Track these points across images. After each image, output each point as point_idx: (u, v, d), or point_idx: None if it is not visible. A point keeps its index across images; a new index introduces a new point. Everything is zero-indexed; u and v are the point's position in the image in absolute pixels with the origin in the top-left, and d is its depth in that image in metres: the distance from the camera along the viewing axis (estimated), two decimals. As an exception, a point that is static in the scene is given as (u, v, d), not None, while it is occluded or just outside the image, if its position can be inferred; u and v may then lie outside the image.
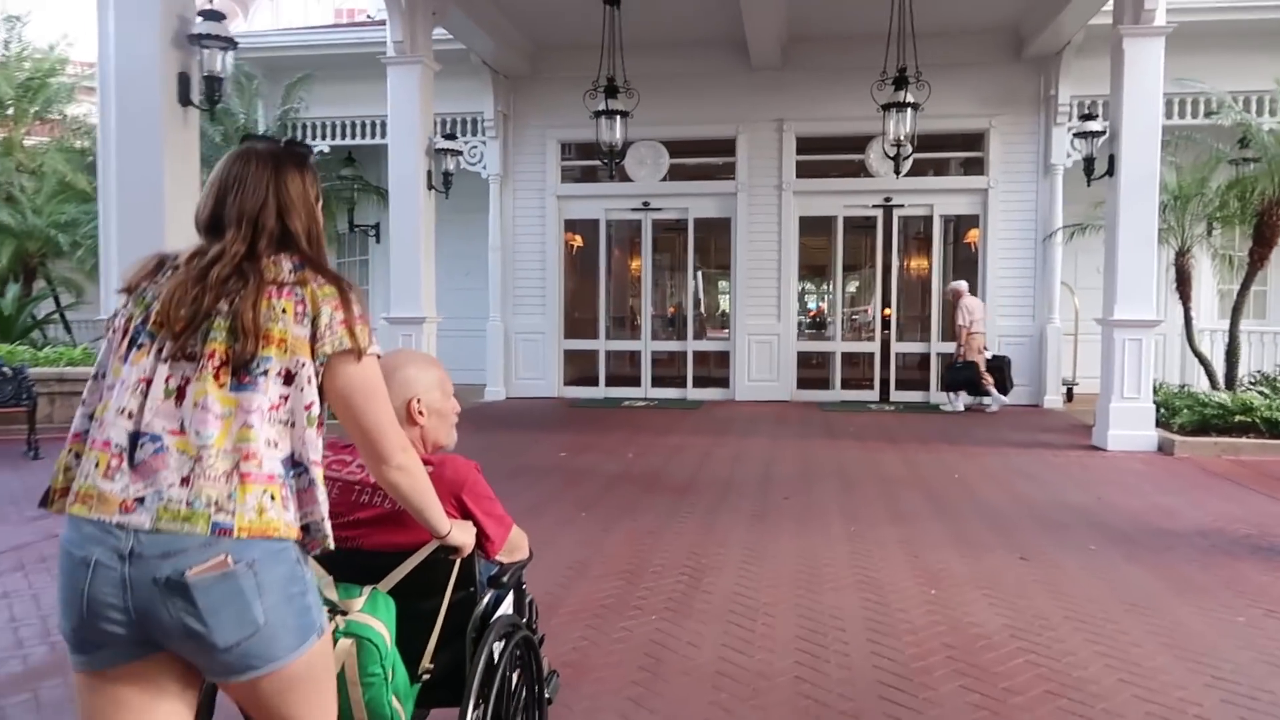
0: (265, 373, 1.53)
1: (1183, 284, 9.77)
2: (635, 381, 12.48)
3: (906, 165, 9.28)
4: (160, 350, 1.54)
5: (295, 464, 1.56)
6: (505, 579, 2.13)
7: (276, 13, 19.37)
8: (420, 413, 2.08)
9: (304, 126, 12.46)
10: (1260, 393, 8.58)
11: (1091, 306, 10.57)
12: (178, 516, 1.45)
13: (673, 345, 12.86)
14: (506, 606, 2.22)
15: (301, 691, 1.56)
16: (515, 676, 2.15)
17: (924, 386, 11.82)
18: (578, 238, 12.93)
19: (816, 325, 14.37)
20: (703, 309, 13.96)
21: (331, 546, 1.59)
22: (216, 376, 1.52)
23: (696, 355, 12.49)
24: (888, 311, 12.19)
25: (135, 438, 1.50)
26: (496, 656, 2.01)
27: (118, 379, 1.55)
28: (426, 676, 1.92)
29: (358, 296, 1.64)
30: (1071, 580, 4.42)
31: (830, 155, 12.15)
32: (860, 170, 11.92)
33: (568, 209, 12.54)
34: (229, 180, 1.66)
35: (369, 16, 14.36)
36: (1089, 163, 9.27)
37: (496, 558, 2.15)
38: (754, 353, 12.02)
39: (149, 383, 1.53)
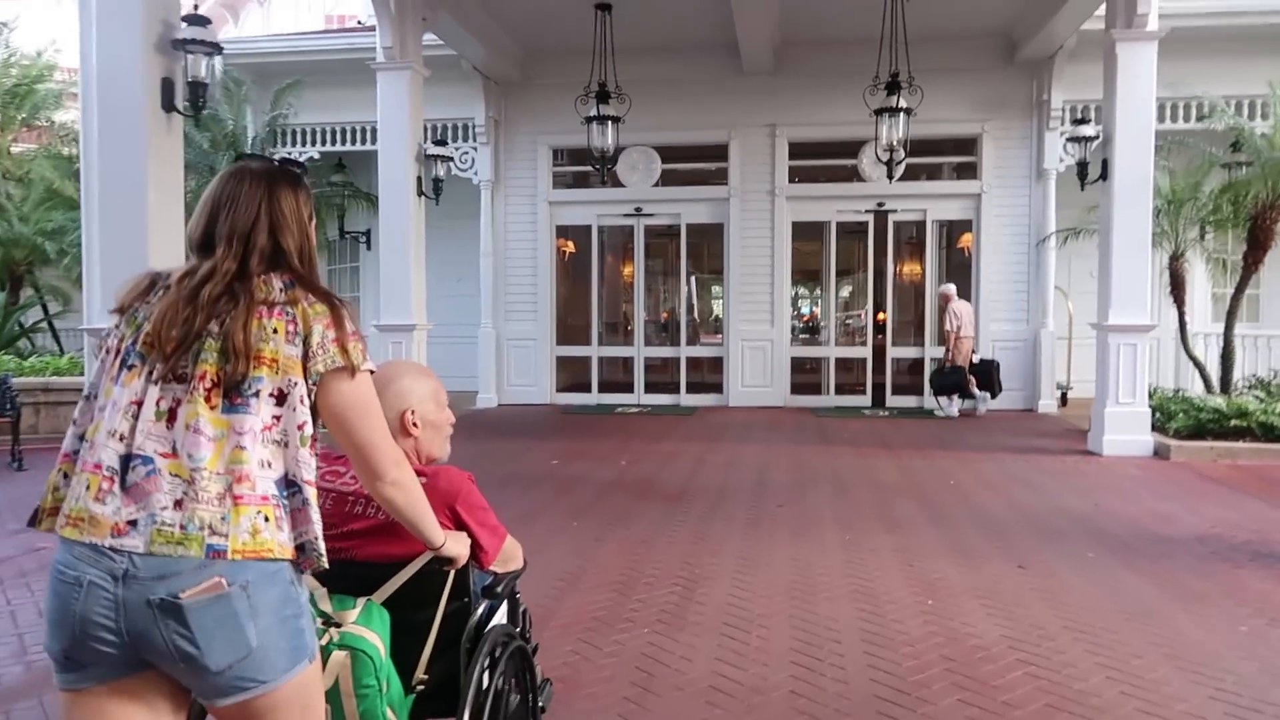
0: (257, 394, 1.53)
1: (1177, 288, 9.74)
2: (628, 387, 12.42)
3: (899, 170, 9.25)
4: (151, 372, 1.54)
5: (289, 484, 1.55)
6: (499, 589, 2.12)
7: (267, 19, 19.28)
8: (414, 424, 2.08)
9: (293, 133, 12.38)
10: (1256, 397, 8.55)
11: (1085, 311, 10.56)
12: (171, 540, 1.45)
13: (666, 351, 12.80)
14: (500, 616, 2.22)
15: (289, 714, 1.54)
16: (509, 686, 2.14)
17: (918, 391, 11.78)
18: (570, 244, 12.87)
19: (810, 330, 14.33)
20: (696, 314, 13.91)
21: (325, 566, 1.59)
22: (208, 398, 1.51)
23: (690, 361, 12.44)
24: (882, 316, 12.15)
25: (127, 460, 1.49)
26: (491, 667, 2.01)
27: (109, 400, 1.55)
28: (421, 687, 1.92)
29: (350, 313, 1.64)
30: (1070, 589, 4.36)
31: (823, 160, 12.13)
32: (853, 175, 11.88)
33: (560, 215, 12.48)
34: (222, 198, 1.66)
35: (359, 22, 14.27)
36: (1082, 167, 9.24)
37: (491, 568, 2.14)
38: (747, 358, 11.97)
39: (140, 404, 1.52)
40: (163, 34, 5.62)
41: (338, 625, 1.79)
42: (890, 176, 9.37)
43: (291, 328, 1.56)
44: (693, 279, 13.22)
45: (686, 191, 12.29)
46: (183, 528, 1.45)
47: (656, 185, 12.16)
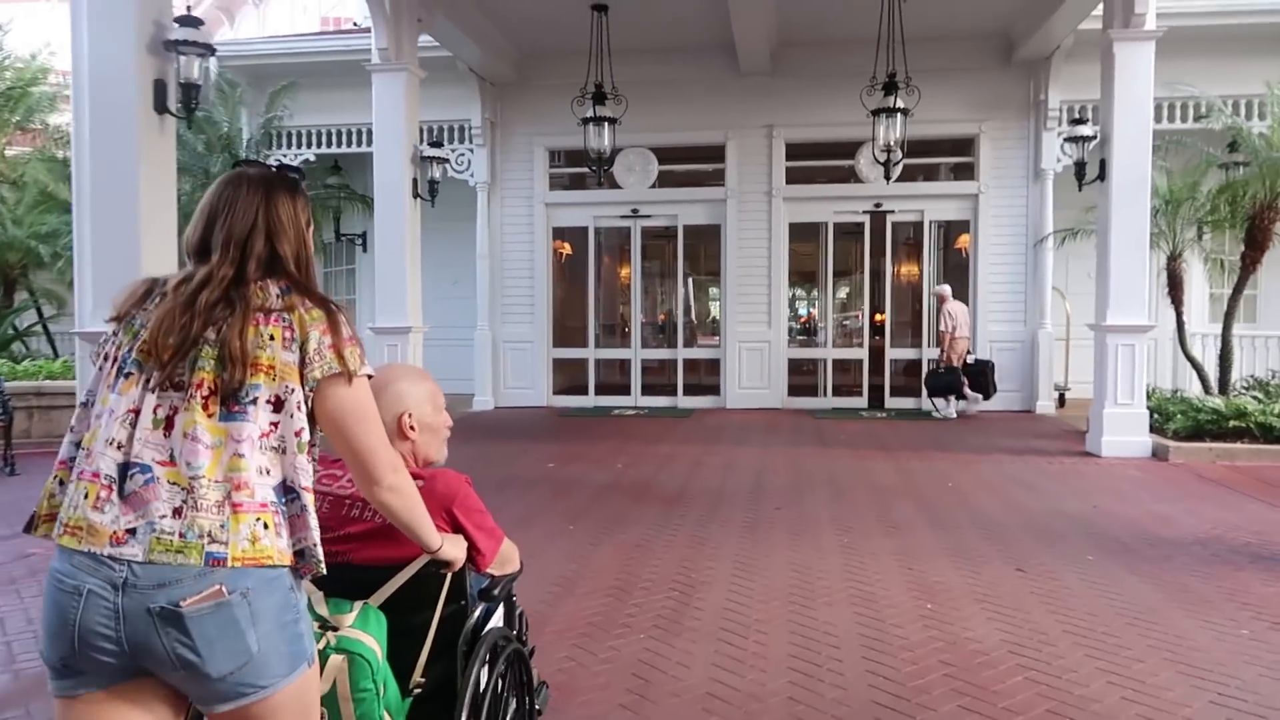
0: (254, 401, 1.53)
1: (1174, 288, 9.72)
2: (625, 390, 12.37)
3: (897, 171, 9.22)
4: (148, 380, 1.54)
5: (287, 490, 1.55)
6: (496, 592, 2.12)
7: (262, 21, 19.25)
8: (411, 428, 2.08)
9: (289, 135, 12.34)
10: (1254, 397, 8.52)
11: (1083, 311, 10.54)
12: (170, 548, 1.45)
13: (663, 353, 12.76)
14: (497, 619, 2.22)
15: (287, 718, 1.55)
16: (506, 689, 2.15)
17: (916, 393, 11.75)
18: (566, 245, 12.83)
19: (807, 332, 14.30)
20: (693, 316, 13.87)
21: (324, 571, 1.59)
22: (205, 406, 1.51)
23: (687, 363, 12.40)
24: (880, 318, 12.12)
25: (125, 468, 1.49)
26: (488, 669, 2.02)
27: (106, 408, 1.55)
28: (418, 691, 1.92)
29: (347, 318, 1.64)
30: (1070, 592, 4.32)
31: (820, 161, 12.10)
32: (850, 176, 11.85)
33: (556, 216, 12.44)
34: (219, 204, 1.66)
35: (355, 24, 14.23)
36: (1080, 167, 9.22)
37: (488, 570, 2.14)
38: (745, 360, 11.93)
39: (138, 413, 1.52)
40: (155, 35, 5.57)
41: (334, 629, 1.79)
42: (888, 177, 9.35)
43: (288, 334, 1.56)
44: (690, 280, 13.19)
45: (683, 193, 12.25)
46: (182, 536, 1.45)
47: (653, 187, 12.12)
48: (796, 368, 12.26)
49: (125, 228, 5.42)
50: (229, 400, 1.52)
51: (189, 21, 5.74)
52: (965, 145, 11.65)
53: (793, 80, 11.53)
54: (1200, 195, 9.54)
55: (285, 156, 12.07)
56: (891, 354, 11.97)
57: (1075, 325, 11.26)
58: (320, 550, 1.57)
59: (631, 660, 3.53)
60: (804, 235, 12.23)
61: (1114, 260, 8.20)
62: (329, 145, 12.36)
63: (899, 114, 8.63)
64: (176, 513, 1.46)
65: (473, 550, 2.03)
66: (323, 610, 1.80)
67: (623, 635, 3.80)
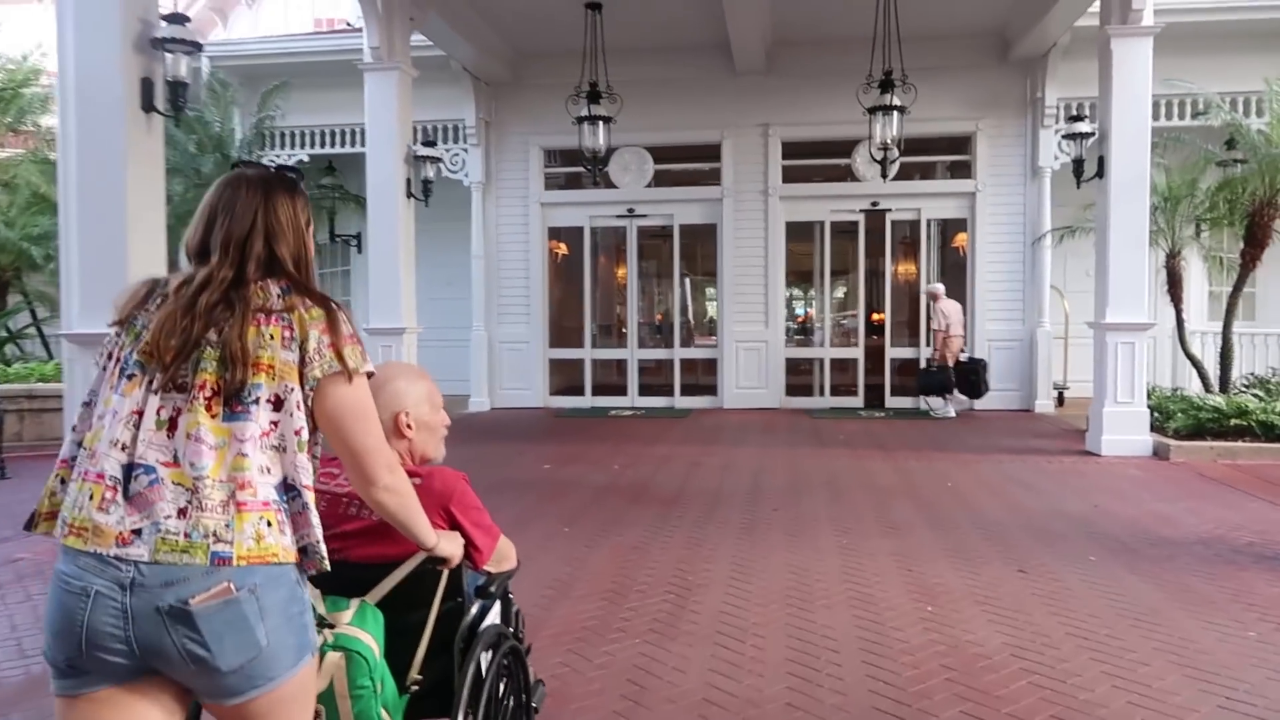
0: (257, 400, 1.54)
1: (1174, 286, 9.67)
2: (622, 390, 12.31)
3: (893, 169, 9.19)
4: (151, 381, 1.55)
5: (289, 488, 1.56)
6: (493, 589, 2.13)
7: (255, 22, 19.17)
8: (408, 426, 2.09)
9: (281, 135, 12.27)
10: (1255, 395, 8.47)
11: (1081, 310, 10.48)
12: (176, 548, 1.46)
13: (660, 353, 12.69)
14: (494, 616, 2.22)
15: (291, 708, 1.57)
16: (502, 686, 2.15)
17: (914, 392, 11.68)
18: (562, 245, 12.76)
19: (804, 331, 14.25)
20: (690, 316, 13.82)
21: (328, 568, 1.59)
22: (208, 407, 1.53)
23: (684, 363, 12.34)
24: (878, 317, 12.06)
25: (129, 470, 1.50)
26: (484, 666, 2.02)
27: (109, 409, 1.56)
28: (415, 688, 1.92)
29: (347, 317, 1.65)
30: (1072, 594, 4.26)
31: (816, 160, 12.04)
32: (847, 175, 11.80)
33: (552, 216, 12.37)
34: (218, 206, 1.67)
35: (348, 24, 14.16)
36: (1078, 164, 9.16)
37: (484, 568, 2.15)
38: (742, 360, 11.87)
39: (141, 414, 1.53)
40: (141, 33, 5.49)
41: (332, 626, 1.79)
42: (884, 175, 9.32)
43: (288, 334, 1.57)
44: (686, 280, 13.13)
45: (679, 192, 12.19)
46: (187, 535, 1.46)
47: (649, 186, 12.06)
48: (794, 367, 12.20)
49: (112, 228, 5.34)
50: (232, 400, 1.53)
51: (176, 19, 5.67)
52: (962, 143, 11.60)
53: (788, 79, 11.47)
54: (1199, 192, 9.50)
55: (278, 157, 12.00)
56: (889, 353, 11.91)
57: (1074, 324, 11.20)
58: (323, 547, 1.58)
59: (626, 665, 3.47)
60: (800, 234, 12.19)
61: (1113, 258, 8.15)
62: (322, 146, 12.29)
63: (895, 111, 8.57)
64: (181, 513, 1.47)
65: (469, 547, 2.03)
66: (320, 608, 1.80)
67: (618, 639, 3.73)
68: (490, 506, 2.19)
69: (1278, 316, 11.81)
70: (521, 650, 2.30)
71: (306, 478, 1.57)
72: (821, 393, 11.98)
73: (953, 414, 10.75)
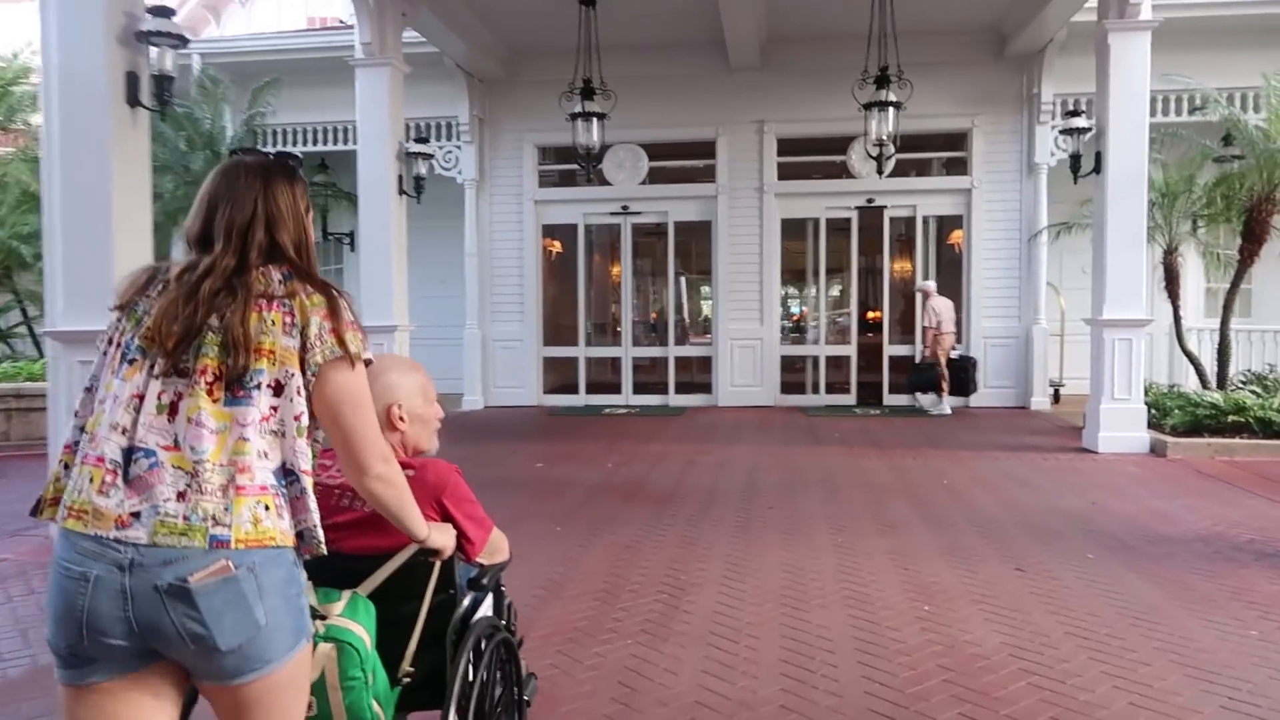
0: (258, 385, 1.56)
1: (1171, 282, 9.61)
2: (616, 388, 12.24)
3: (889, 166, 9.11)
4: (152, 366, 1.56)
5: (287, 473, 1.57)
6: (485, 581, 2.13)
7: (249, 19, 19.06)
8: (401, 418, 2.09)
9: (273, 132, 12.18)
10: (1253, 392, 8.43)
11: (1078, 306, 10.43)
12: (174, 531, 1.47)
13: (654, 351, 12.61)
14: (486, 608, 2.23)
15: (287, 694, 1.57)
16: (494, 678, 2.16)
17: (908, 390, 11.63)
18: (556, 243, 12.69)
19: (800, 329, 14.19)
20: (684, 314, 13.75)
21: (324, 551, 1.60)
22: (210, 392, 1.54)
23: (678, 361, 12.27)
24: (875, 314, 12.00)
25: (129, 453, 1.51)
26: (476, 658, 2.04)
27: (110, 394, 1.57)
28: (407, 679, 1.92)
29: (348, 303, 1.66)
30: (1071, 592, 4.20)
31: (812, 157, 11.97)
32: (842, 171, 11.73)
33: (546, 214, 12.30)
34: (218, 194, 1.67)
35: (341, 22, 14.06)
36: (1075, 160, 9.10)
37: (477, 560, 2.15)
38: (736, 357, 11.81)
39: (141, 398, 1.54)
40: (126, 26, 5.40)
41: (323, 618, 1.79)
42: (880, 172, 9.25)
43: (289, 319, 1.58)
44: (681, 278, 13.06)
45: (674, 189, 12.13)
46: (186, 519, 1.47)
47: (643, 183, 12.00)
48: (789, 365, 12.15)
49: (97, 224, 5.25)
50: (234, 385, 1.54)
51: (161, 12, 5.58)
52: (958, 140, 11.55)
53: (783, 75, 11.41)
54: (1197, 188, 9.45)
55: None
56: (885, 350, 11.85)
57: (1070, 320, 11.16)
58: (320, 531, 1.59)
59: (618, 666, 3.40)
60: (796, 231, 12.13)
61: (1110, 254, 8.09)
62: (314, 143, 12.20)
63: (891, 108, 8.50)
64: (180, 496, 1.48)
65: (462, 539, 2.04)
66: (311, 599, 1.79)
67: (609, 640, 3.66)
68: (483, 505, 2.17)
69: (1275, 313, 11.78)
70: (514, 643, 2.30)
71: (305, 463, 1.58)
72: (817, 390, 11.92)
73: (948, 411, 10.69)
